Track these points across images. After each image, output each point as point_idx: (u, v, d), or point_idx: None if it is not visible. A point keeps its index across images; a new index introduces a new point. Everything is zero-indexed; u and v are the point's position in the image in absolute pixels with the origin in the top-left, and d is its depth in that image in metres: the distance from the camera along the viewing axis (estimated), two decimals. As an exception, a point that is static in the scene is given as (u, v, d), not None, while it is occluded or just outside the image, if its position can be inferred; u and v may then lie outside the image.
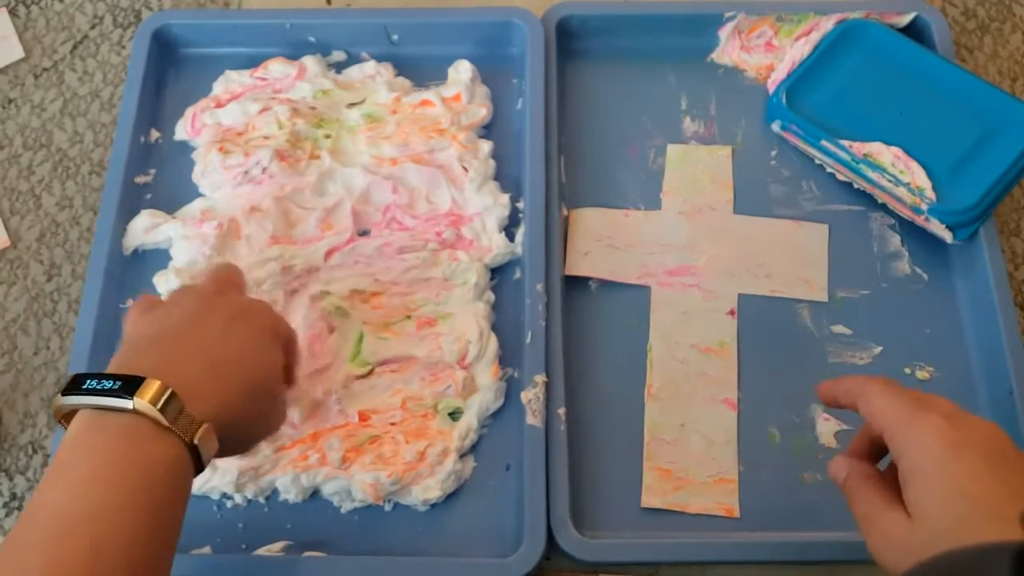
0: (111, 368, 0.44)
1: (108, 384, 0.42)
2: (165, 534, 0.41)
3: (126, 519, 0.39)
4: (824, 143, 0.65)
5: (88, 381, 0.42)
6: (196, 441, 0.42)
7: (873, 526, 0.43)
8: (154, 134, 0.68)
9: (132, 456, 0.41)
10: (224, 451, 0.46)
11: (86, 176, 0.68)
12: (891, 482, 0.43)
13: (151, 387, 0.42)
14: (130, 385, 0.41)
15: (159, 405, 0.41)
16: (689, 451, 0.58)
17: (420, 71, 0.70)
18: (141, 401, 0.41)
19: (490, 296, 0.62)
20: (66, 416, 0.43)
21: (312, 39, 0.70)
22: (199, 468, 0.44)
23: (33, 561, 0.37)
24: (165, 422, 0.41)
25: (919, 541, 0.40)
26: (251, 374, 0.47)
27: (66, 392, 0.42)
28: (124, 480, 0.40)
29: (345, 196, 0.64)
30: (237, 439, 0.47)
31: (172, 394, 0.42)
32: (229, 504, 0.57)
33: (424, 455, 0.56)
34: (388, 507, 0.57)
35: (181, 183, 0.66)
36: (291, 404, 0.56)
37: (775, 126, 0.67)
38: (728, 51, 0.70)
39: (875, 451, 0.46)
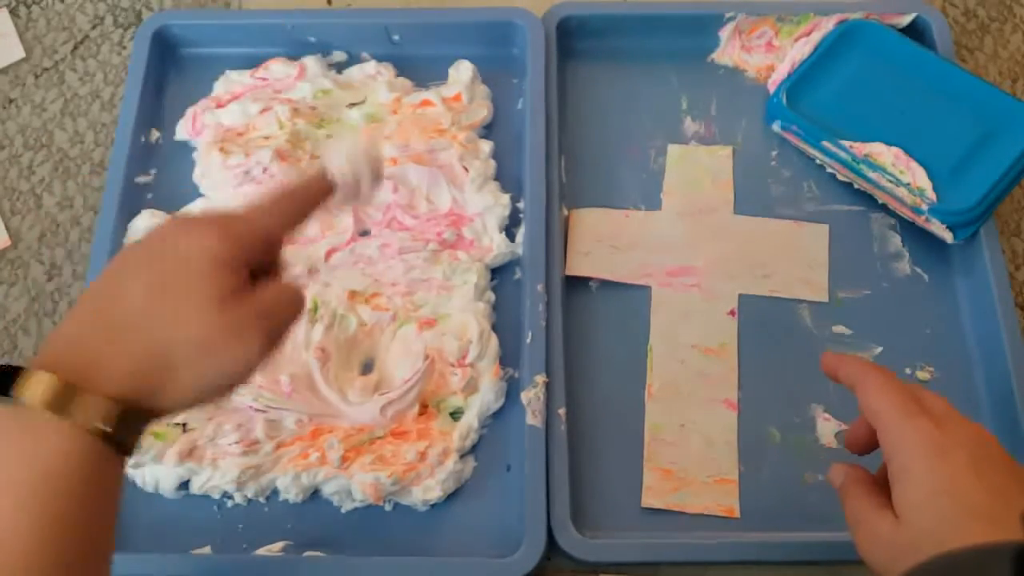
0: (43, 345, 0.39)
1: None
2: (86, 536, 0.37)
3: (28, 528, 0.35)
4: (825, 143, 0.65)
5: None
6: (107, 428, 0.36)
7: (861, 528, 0.43)
8: (155, 134, 0.68)
9: (27, 456, 0.36)
10: (152, 420, 0.39)
11: (87, 176, 0.68)
12: (883, 487, 0.44)
13: (33, 377, 0.36)
14: (7, 379, 0.37)
15: (45, 396, 0.36)
16: (689, 451, 0.58)
17: (421, 71, 0.70)
18: (23, 397, 0.36)
19: (490, 296, 0.62)
20: None
21: (312, 39, 0.70)
22: (125, 452, 0.38)
23: None
24: (53, 415, 0.36)
25: (904, 541, 0.40)
26: (171, 332, 0.38)
27: None
28: (18, 484, 0.35)
29: (345, 196, 0.64)
30: (167, 403, 0.39)
31: (58, 381, 0.36)
32: (229, 504, 0.57)
33: (425, 455, 0.56)
34: (388, 507, 0.57)
35: (182, 183, 0.66)
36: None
37: (775, 126, 0.67)
38: (729, 51, 0.70)
39: (872, 440, 0.47)
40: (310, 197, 0.46)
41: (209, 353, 0.39)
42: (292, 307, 0.42)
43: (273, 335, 0.41)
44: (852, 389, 0.46)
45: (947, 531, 0.39)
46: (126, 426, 0.37)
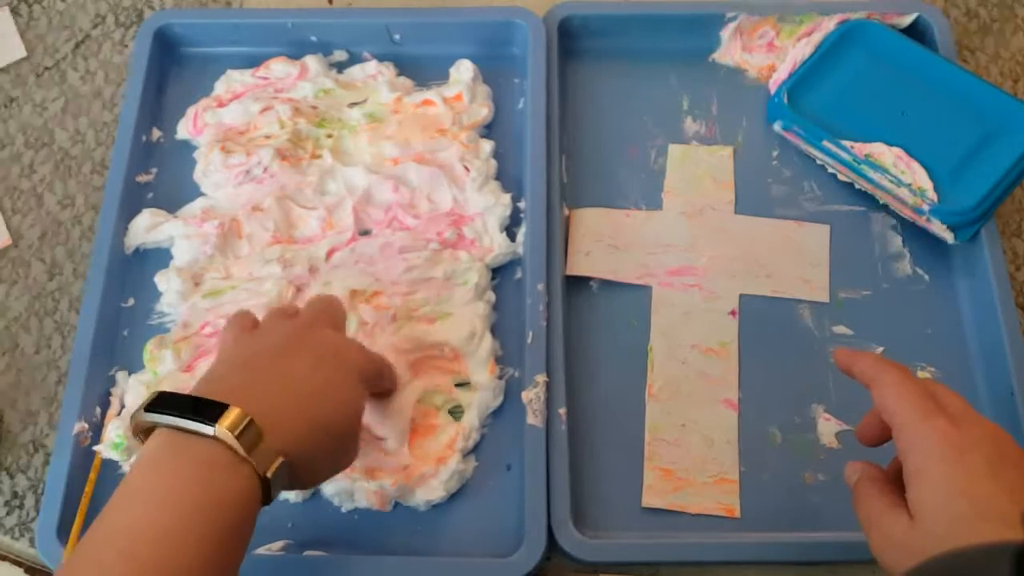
0: (198, 386, 0.45)
1: (191, 405, 0.42)
2: (229, 562, 0.41)
3: (193, 546, 0.39)
4: (826, 143, 0.65)
5: (172, 400, 0.42)
6: (269, 474, 0.42)
7: (875, 528, 0.43)
8: (156, 133, 0.68)
9: (206, 484, 0.41)
10: (291, 485, 0.46)
11: (87, 175, 0.68)
12: (897, 485, 0.44)
13: (232, 415, 0.41)
14: (212, 411, 0.41)
15: (238, 434, 0.41)
16: (690, 451, 0.58)
17: (422, 71, 0.70)
18: (221, 429, 0.41)
19: (491, 296, 0.62)
20: (145, 432, 0.43)
21: (314, 38, 0.70)
22: (267, 501, 0.43)
23: None
24: (242, 452, 0.41)
25: (918, 542, 0.40)
26: (332, 413, 0.47)
27: (149, 408, 0.42)
28: (196, 508, 0.40)
29: (346, 196, 0.64)
30: (307, 475, 0.47)
31: (252, 424, 0.42)
32: (230, 503, 0.57)
33: (428, 456, 0.57)
34: (388, 507, 0.57)
35: (182, 182, 0.66)
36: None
37: (776, 126, 0.67)
38: (730, 51, 0.70)
39: (883, 433, 0.47)
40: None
41: (349, 449, 0.49)
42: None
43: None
44: (867, 386, 0.46)
45: (963, 532, 0.39)
46: (281, 479, 0.43)
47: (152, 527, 0.39)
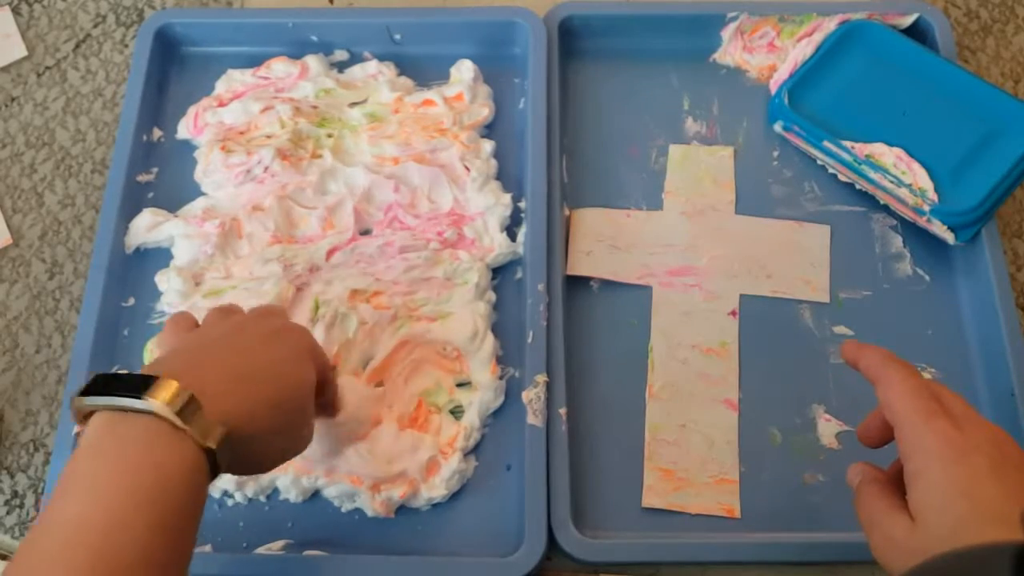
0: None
1: (124, 383, 0.41)
2: (181, 541, 0.40)
3: (141, 528, 0.38)
4: (826, 144, 0.65)
5: (106, 380, 0.42)
6: (212, 445, 0.41)
7: (876, 529, 0.43)
8: (156, 133, 0.68)
9: (147, 462, 0.40)
10: (243, 465, 0.45)
11: (88, 174, 0.68)
12: (898, 487, 0.44)
13: (166, 386, 0.41)
14: (145, 383, 0.41)
15: (173, 405, 0.40)
16: (690, 451, 0.58)
17: (422, 70, 0.70)
18: (155, 401, 0.40)
19: (491, 296, 0.62)
20: (86, 417, 0.42)
21: (314, 38, 0.70)
22: (214, 474, 0.42)
23: (46, 573, 0.37)
24: (180, 423, 0.40)
25: (919, 543, 0.40)
26: (279, 386, 0.46)
27: (84, 391, 0.42)
28: (138, 488, 0.39)
29: (347, 195, 0.64)
30: (258, 452, 0.45)
31: (187, 394, 0.41)
32: (230, 502, 0.57)
33: (429, 455, 0.57)
34: (392, 513, 0.57)
35: (183, 182, 0.66)
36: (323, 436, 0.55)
37: (777, 127, 0.67)
38: (730, 51, 0.70)
39: (885, 434, 0.46)
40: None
41: (301, 430, 0.48)
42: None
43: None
44: (871, 382, 0.45)
45: (964, 533, 0.39)
46: (226, 451, 0.42)
47: (97, 512, 0.38)
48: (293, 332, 0.49)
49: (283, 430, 0.46)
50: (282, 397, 0.46)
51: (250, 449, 0.44)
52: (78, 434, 0.57)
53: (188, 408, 0.40)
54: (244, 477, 0.56)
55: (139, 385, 0.41)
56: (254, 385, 0.44)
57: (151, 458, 0.40)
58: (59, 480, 0.40)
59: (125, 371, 0.43)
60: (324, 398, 0.52)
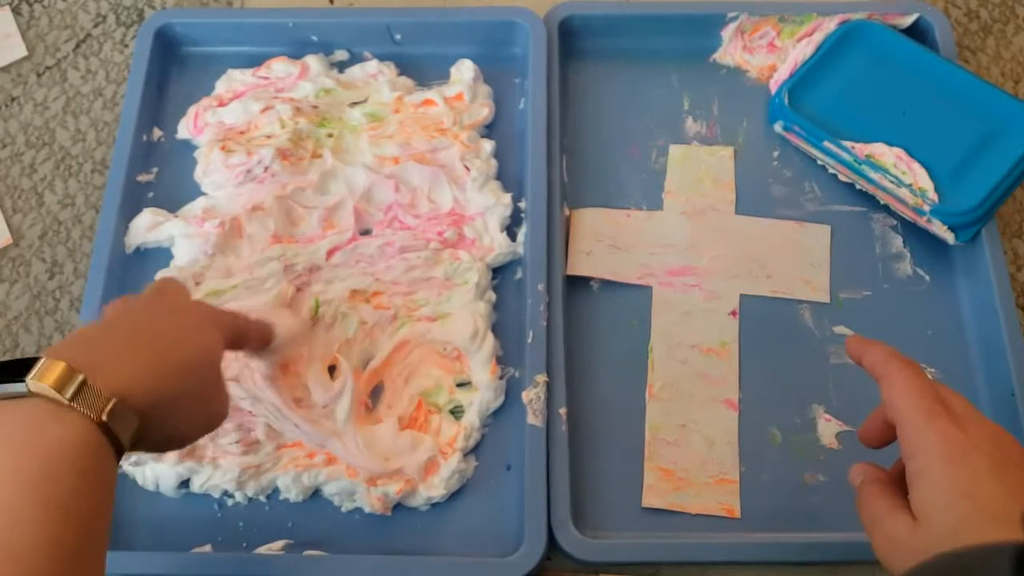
0: None
1: (4, 369, 0.39)
2: (85, 525, 0.38)
3: (34, 515, 0.36)
4: (826, 144, 0.65)
5: None
6: (105, 418, 0.39)
7: (878, 529, 0.43)
8: (156, 133, 0.68)
9: (32, 444, 0.38)
10: (157, 440, 0.43)
11: (88, 174, 0.68)
12: (900, 487, 0.44)
13: (49, 366, 0.39)
14: (27, 366, 0.39)
15: (58, 383, 0.38)
16: (690, 451, 0.58)
17: (422, 70, 0.70)
18: (33, 381, 0.38)
19: (491, 296, 0.62)
20: None
21: (315, 38, 0.70)
22: (120, 451, 0.40)
23: None
24: (63, 400, 0.38)
25: (921, 543, 0.40)
26: (183, 351, 0.44)
27: None
28: (24, 472, 0.37)
29: (347, 195, 0.64)
30: (171, 424, 0.44)
31: (68, 369, 0.39)
32: (230, 502, 0.57)
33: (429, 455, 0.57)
34: (390, 511, 0.57)
35: (183, 182, 0.66)
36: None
37: (777, 127, 0.67)
38: (730, 51, 0.70)
39: (886, 435, 0.46)
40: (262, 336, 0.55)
41: (214, 397, 0.47)
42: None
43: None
44: (875, 379, 0.45)
45: (966, 533, 0.39)
46: (124, 423, 0.40)
47: None
48: (189, 305, 0.50)
49: (192, 396, 0.45)
50: (187, 361, 0.44)
51: (160, 421, 0.42)
52: None
53: (73, 384, 0.39)
54: (245, 476, 0.56)
55: (19, 369, 0.39)
56: (153, 353, 0.43)
57: (34, 438, 0.38)
58: None
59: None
60: (249, 344, 0.52)
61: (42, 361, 0.39)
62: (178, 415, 0.44)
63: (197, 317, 0.48)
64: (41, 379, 0.38)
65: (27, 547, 0.35)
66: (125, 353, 0.42)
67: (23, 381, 0.38)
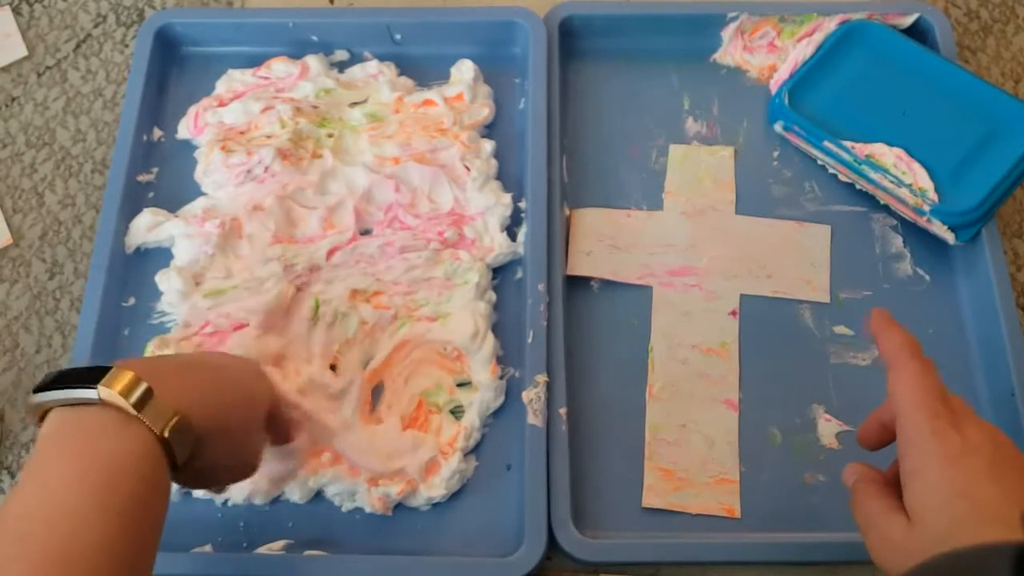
0: None
1: (73, 376, 0.41)
2: (141, 533, 0.39)
3: (94, 517, 0.37)
4: (826, 144, 0.65)
5: (57, 376, 0.41)
6: (167, 433, 0.41)
7: (873, 530, 0.43)
8: (157, 133, 0.68)
9: (97, 450, 0.39)
10: (199, 469, 0.44)
11: (88, 174, 0.68)
12: (895, 488, 0.44)
13: (117, 375, 0.40)
14: (98, 374, 0.40)
15: (127, 393, 0.40)
16: (690, 451, 0.58)
17: (423, 70, 0.70)
18: (106, 389, 0.40)
19: (491, 296, 0.62)
20: (42, 416, 0.42)
21: (315, 38, 0.70)
22: (174, 466, 0.42)
23: (2, 570, 0.36)
24: (131, 410, 0.40)
25: (917, 544, 0.40)
26: (241, 389, 0.47)
27: (37, 388, 0.41)
28: (90, 479, 0.38)
29: (347, 195, 0.64)
30: (216, 455, 0.45)
31: (139, 381, 0.40)
32: (230, 502, 0.57)
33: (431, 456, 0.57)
34: (391, 511, 0.57)
35: (183, 182, 0.66)
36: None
37: (777, 127, 0.67)
38: (731, 51, 0.70)
39: (884, 436, 0.46)
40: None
41: (253, 437, 0.49)
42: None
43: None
44: (885, 364, 0.45)
45: (963, 534, 0.39)
46: (182, 441, 0.42)
47: (47, 506, 0.37)
48: (251, 360, 0.52)
49: (240, 432, 0.47)
50: (244, 398, 0.47)
51: (210, 448, 0.44)
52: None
53: (141, 395, 0.40)
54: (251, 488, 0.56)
55: (92, 376, 0.40)
56: (216, 383, 0.45)
57: (101, 446, 0.39)
58: (18, 479, 0.40)
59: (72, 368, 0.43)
60: (277, 427, 0.52)
61: (113, 369, 0.41)
62: (224, 449, 0.46)
63: (256, 367, 0.51)
64: (110, 385, 0.40)
65: (88, 551, 0.37)
66: (190, 377, 0.44)
67: (95, 388, 0.40)
